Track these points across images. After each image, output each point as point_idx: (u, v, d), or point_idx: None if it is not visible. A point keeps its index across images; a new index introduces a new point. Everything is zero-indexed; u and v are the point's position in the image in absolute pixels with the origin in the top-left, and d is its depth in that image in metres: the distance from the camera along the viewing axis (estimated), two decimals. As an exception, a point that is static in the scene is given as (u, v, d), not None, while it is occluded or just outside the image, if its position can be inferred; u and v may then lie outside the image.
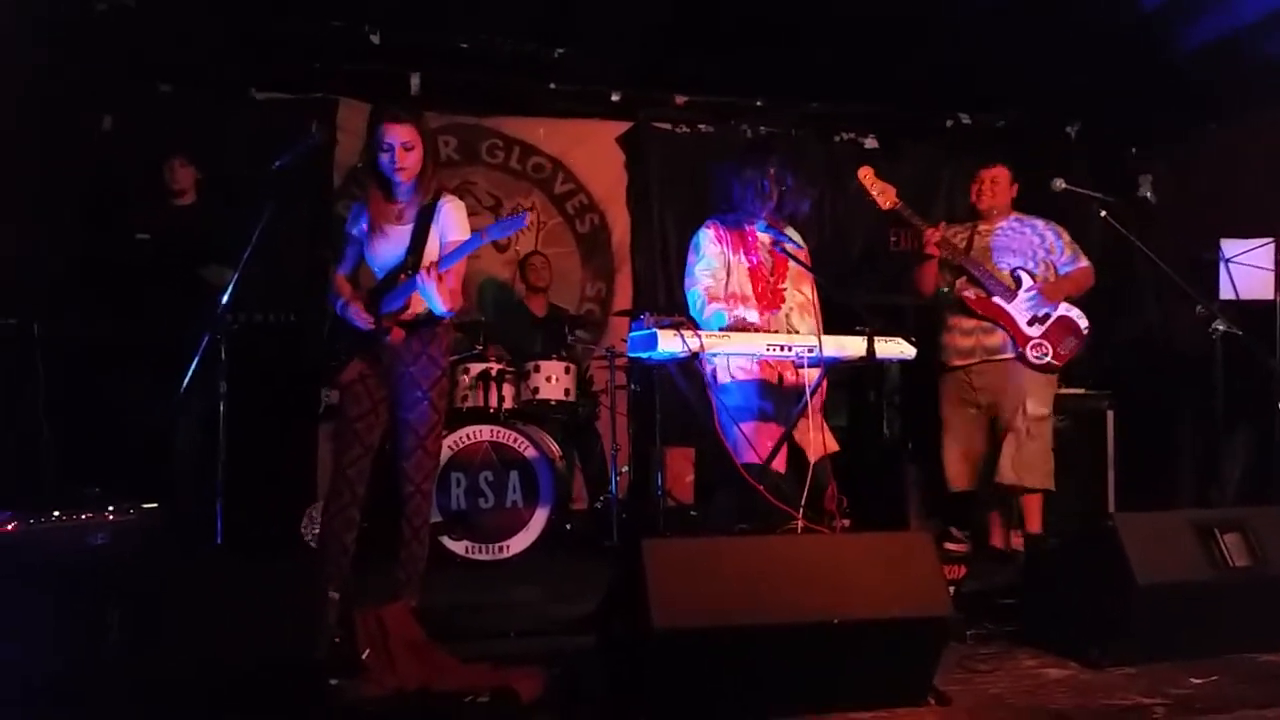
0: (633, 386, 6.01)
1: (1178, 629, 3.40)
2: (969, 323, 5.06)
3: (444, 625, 3.55)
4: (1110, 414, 5.80)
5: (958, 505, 5.26)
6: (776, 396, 4.37)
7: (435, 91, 6.54)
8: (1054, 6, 5.61)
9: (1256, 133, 6.07)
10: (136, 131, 6.11)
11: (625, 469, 6.04)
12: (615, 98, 6.99)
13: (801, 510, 3.97)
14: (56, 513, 3.40)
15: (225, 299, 4.05)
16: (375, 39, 6.12)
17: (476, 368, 5.65)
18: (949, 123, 7.44)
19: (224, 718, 2.69)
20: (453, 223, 3.80)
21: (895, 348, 4.11)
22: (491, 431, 5.38)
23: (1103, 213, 4.98)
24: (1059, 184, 4.98)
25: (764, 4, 5.79)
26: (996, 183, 5.17)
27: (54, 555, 3.32)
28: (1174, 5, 5.70)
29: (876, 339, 4.03)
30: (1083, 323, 5.00)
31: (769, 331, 4.28)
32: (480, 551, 5.26)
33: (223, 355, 4.20)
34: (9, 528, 3.21)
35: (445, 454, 5.12)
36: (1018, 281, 4.99)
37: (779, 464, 4.26)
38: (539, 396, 5.75)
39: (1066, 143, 7.42)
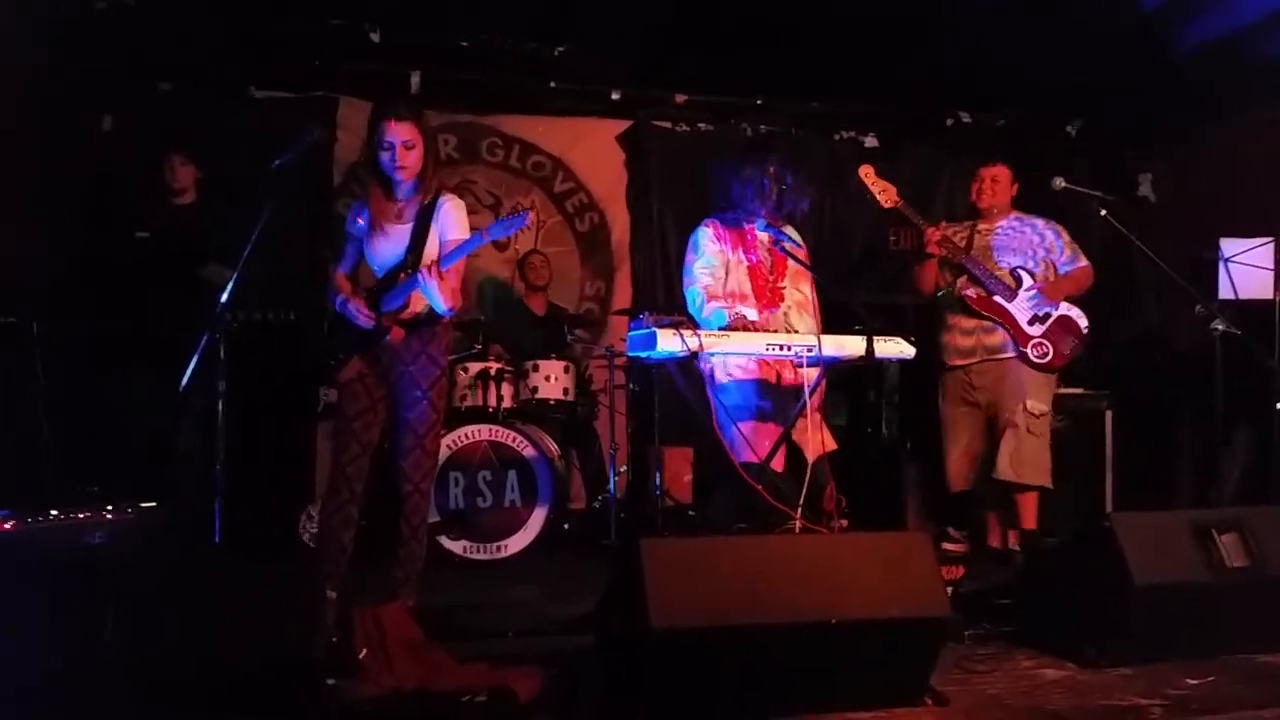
0: (631, 386, 6.01)
1: (1175, 629, 3.40)
2: (969, 322, 5.06)
3: (442, 625, 3.55)
4: (1109, 414, 5.80)
5: (956, 505, 5.26)
6: (774, 396, 4.37)
7: (435, 90, 6.54)
8: (1054, 6, 5.61)
9: (1256, 132, 6.07)
10: (136, 130, 6.11)
11: (624, 468, 6.04)
12: (615, 96, 7.00)
13: (800, 510, 3.97)
14: (55, 511, 3.40)
15: (224, 297, 4.05)
16: (375, 37, 6.12)
17: (475, 367, 5.65)
18: (949, 122, 7.44)
19: (221, 717, 2.69)
20: (453, 221, 3.80)
21: (894, 347, 4.11)
22: (490, 431, 5.39)
23: (1103, 212, 4.98)
24: (1059, 183, 4.98)
25: (764, 3, 5.79)
26: (997, 182, 5.16)
27: (52, 554, 3.32)
28: (1174, 5, 5.70)
29: (875, 338, 4.03)
30: (1083, 322, 5.00)
31: (767, 329, 4.28)
32: (478, 551, 5.26)
33: (222, 354, 4.20)
34: (7, 526, 3.21)
35: (444, 453, 5.12)
36: (1018, 281, 4.99)
37: (777, 463, 4.26)
38: (538, 396, 5.75)
39: (1067, 142, 7.43)
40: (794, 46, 6.23)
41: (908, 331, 4.19)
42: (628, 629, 2.89)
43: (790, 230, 4.56)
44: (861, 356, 4.04)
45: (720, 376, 4.35)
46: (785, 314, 4.44)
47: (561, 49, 6.43)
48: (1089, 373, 5.82)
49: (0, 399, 4.90)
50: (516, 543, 5.29)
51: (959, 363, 5.09)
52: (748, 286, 4.41)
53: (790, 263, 4.49)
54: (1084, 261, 5.14)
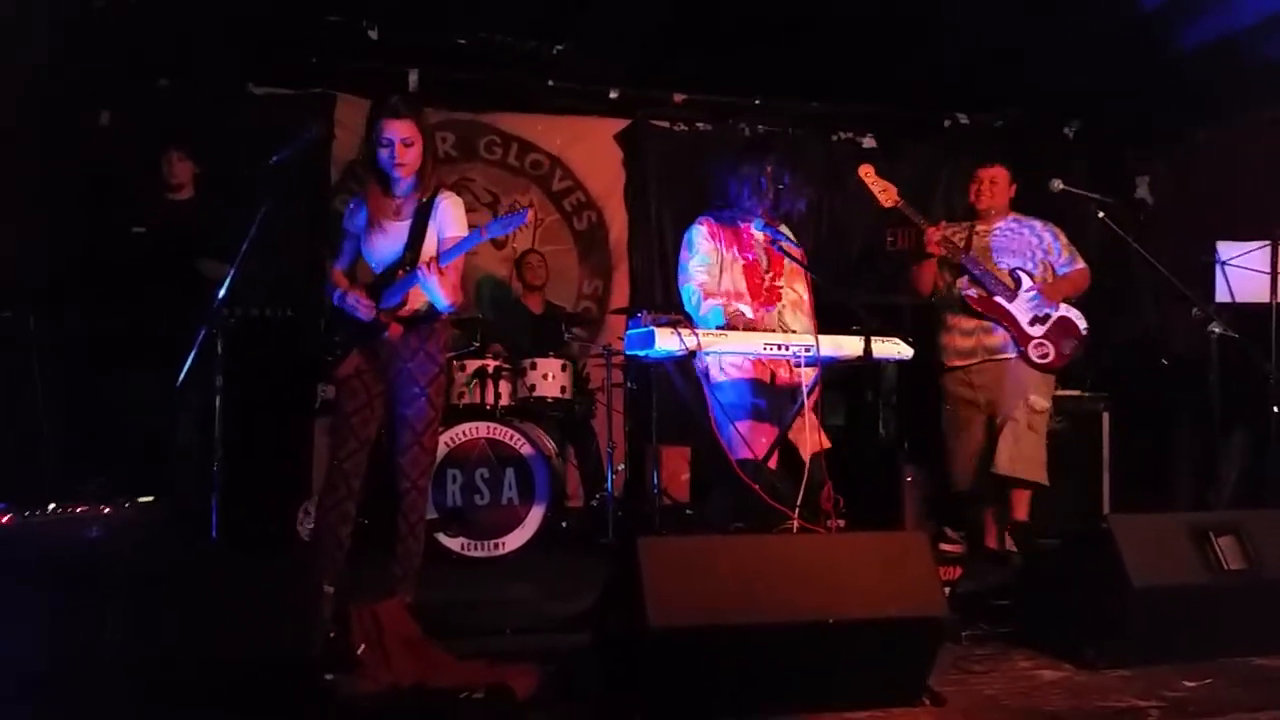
0: (629, 384, 6.01)
1: (1173, 631, 3.40)
2: (969, 323, 5.06)
3: (439, 622, 3.55)
4: (1106, 416, 5.81)
5: (953, 506, 5.27)
6: (769, 394, 4.37)
7: (433, 87, 6.53)
8: (1053, 6, 5.61)
9: (1255, 133, 6.08)
10: (135, 126, 6.10)
11: (621, 467, 6.04)
12: (614, 95, 7.00)
13: (797, 509, 3.97)
14: (52, 506, 3.40)
15: (222, 293, 4.04)
16: (373, 35, 6.10)
17: (473, 364, 5.65)
18: (947, 123, 7.45)
19: (219, 712, 2.68)
20: (451, 219, 3.80)
21: (892, 348, 4.11)
22: (488, 428, 5.39)
23: (1100, 214, 4.99)
24: (1057, 184, 4.99)
25: (763, 3, 5.79)
26: (995, 183, 5.17)
27: (49, 548, 3.31)
28: (1173, 6, 5.70)
29: (873, 339, 4.03)
30: (1082, 324, 5.01)
31: (763, 326, 4.28)
32: (476, 548, 5.26)
33: (219, 350, 4.19)
34: (4, 520, 3.20)
35: (441, 450, 5.11)
36: (1017, 282, 5.00)
37: (772, 463, 4.26)
38: (535, 394, 5.75)
39: (1065, 143, 7.44)
40: (793, 46, 6.23)
41: (905, 332, 4.19)
42: (625, 627, 2.89)
43: (784, 229, 4.55)
44: (859, 357, 4.04)
45: (715, 375, 4.35)
46: (780, 313, 4.43)
47: (560, 47, 6.42)
48: (1086, 375, 5.84)
49: (2, 392, 4.89)
50: (514, 540, 5.30)
51: (958, 363, 5.09)
52: (743, 285, 4.41)
53: (786, 262, 4.49)
54: (1081, 263, 5.16)
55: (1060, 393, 5.29)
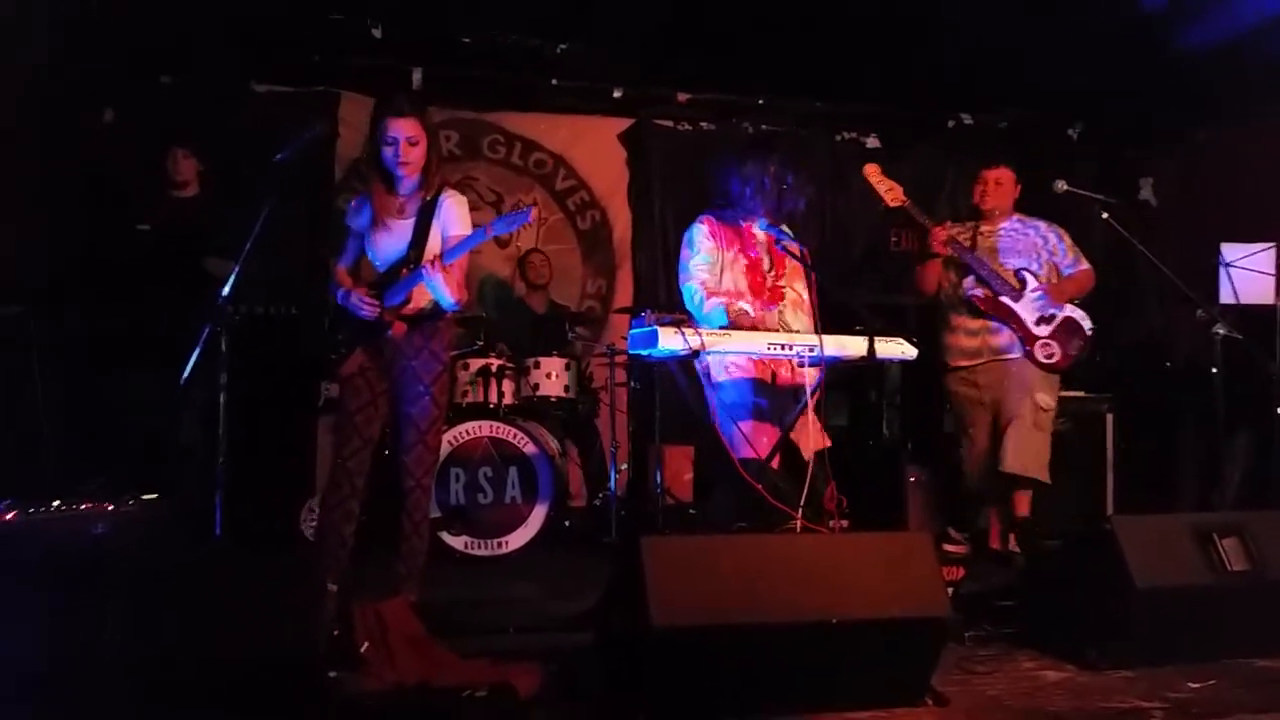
0: (632, 384, 6.01)
1: (1176, 633, 3.39)
2: (974, 323, 5.06)
3: (443, 620, 3.55)
4: (1110, 417, 5.81)
5: (957, 506, 5.26)
6: (770, 394, 4.36)
7: (437, 86, 6.53)
8: (1056, 7, 5.61)
9: (1260, 135, 6.07)
10: (138, 123, 6.10)
11: (624, 466, 6.04)
12: (617, 94, 7.00)
13: (800, 510, 3.97)
14: (57, 503, 3.40)
15: (226, 291, 4.04)
16: (377, 33, 6.11)
17: (476, 363, 5.65)
18: (951, 123, 7.44)
19: (222, 711, 2.68)
20: (454, 217, 3.80)
21: (896, 348, 4.10)
22: (491, 427, 5.39)
23: (1104, 215, 4.98)
24: (1061, 185, 4.98)
25: (767, 3, 5.79)
26: (1000, 184, 5.16)
27: (53, 545, 3.32)
28: (1177, 6, 5.70)
29: (877, 339, 4.02)
30: (1087, 324, 5.00)
31: (765, 325, 4.28)
32: (479, 547, 5.27)
33: (223, 347, 4.19)
34: (9, 517, 3.21)
35: (445, 449, 5.12)
36: (1022, 282, 5.00)
37: (774, 462, 4.26)
38: (539, 393, 5.75)
39: (1069, 144, 7.43)
40: (796, 46, 6.23)
41: (909, 332, 4.19)
42: (628, 626, 2.89)
43: (785, 229, 4.55)
44: (863, 357, 4.04)
45: (716, 374, 4.34)
46: (781, 312, 4.43)
47: (564, 46, 6.43)
48: (1090, 376, 5.83)
49: (2, 392, 4.89)
50: (517, 539, 5.30)
51: (963, 363, 5.09)
52: (743, 284, 4.40)
53: (788, 262, 4.49)
54: (1086, 264, 5.16)
55: (1064, 394, 5.28)
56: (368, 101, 4.64)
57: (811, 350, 3.99)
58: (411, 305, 3.78)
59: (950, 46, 6.09)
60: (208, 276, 4.95)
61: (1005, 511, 5.06)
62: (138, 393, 5.00)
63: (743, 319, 4.21)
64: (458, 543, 5.22)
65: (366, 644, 3.12)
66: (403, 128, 3.68)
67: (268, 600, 2.79)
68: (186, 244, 5.16)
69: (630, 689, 2.90)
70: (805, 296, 4.49)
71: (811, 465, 4.05)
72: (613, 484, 5.72)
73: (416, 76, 6.48)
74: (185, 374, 3.97)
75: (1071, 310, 5.01)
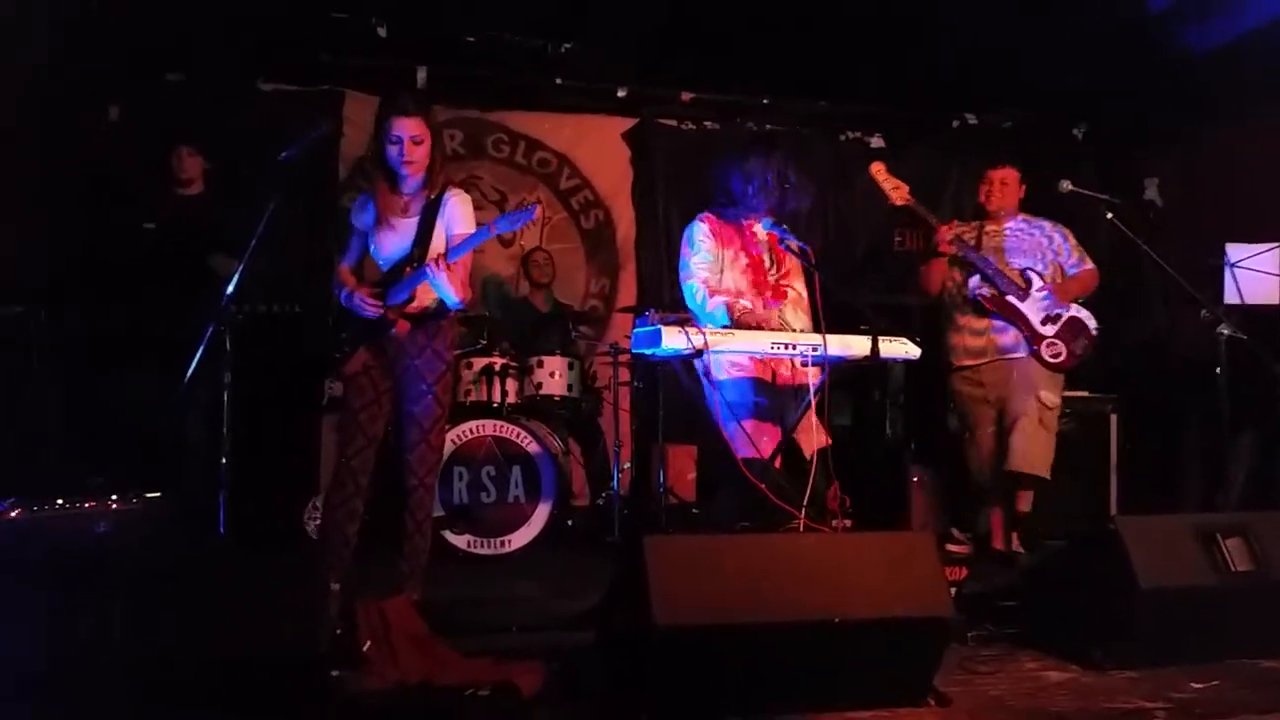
0: (635, 383, 6.01)
1: (1180, 633, 3.39)
2: (980, 322, 5.05)
3: (445, 619, 3.55)
4: (1114, 417, 5.80)
5: (960, 506, 5.25)
6: (770, 393, 4.36)
7: (441, 85, 6.52)
8: (1060, 7, 5.60)
9: (1264, 135, 6.05)
10: (143, 121, 6.10)
11: (627, 465, 6.04)
12: (621, 94, 7.00)
13: (803, 509, 3.96)
14: (60, 501, 3.40)
15: (230, 289, 4.05)
16: (382, 32, 6.12)
17: (480, 362, 5.65)
18: (955, 123, 7.44)
19: (224, 709, 2.68)
20: (458, 216, 3.80)
21: (900, 348, 4.11)
22: (494, 426, 5.39)
23: (1109, 215, 4.98)
24: (1065, 185, 4.99)
25: (771, 2, 5.78)
26: (1006, 184, 5.15)
27: (57, 543, 3.32)
28: (1182, 7, 5.69)
29: (881, 339, 4.03)
30: (1092, 324, 5.00)
31: (770, 323, 4.27)
32: (482, 546, 5.26)
33: (227, 346, 4.20)
34: (13, 515, 3.21)
35: (448, 448, 5.11)
36: (1028, 282, 4.99)
37: (776, 462, 4.26)
38: (542, 392, 5.75)
39: (1073, 144, 7.43)
40: (800, 46, 6.23)
41: (913, 332, 4.19)
42: (631, 626, 2.89)
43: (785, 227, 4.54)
44: (867, 357, 4.04)
45: (717, 373, 4.33)
46: (781, 311, 4.43)
47: (568, 46, 6.43)
48: (1093, 376, 5.83)
49: (7, 390, 4.90)
50: (520, 538, 5.30)
51: (968, 363, 5.09)
52: (743, 283, 4.39)
53: (788, 260, 4.48)
54: (1090, 264, 5.16)
55: (1068, 393, 5.29)
56: (372, 100, 4.62)
57: (815, 350, 3.99)
58: (415, 304, 3.78)
59: (955, 46, 6.09)
60: (210, 275, 4.96)
61: (1008, 511, 5.06)
62: (139, 392, 5.00)
63: (748, 317, 4.20)
64: (461, 541, 5.22)
65: (369, 643, 3.13)
66: (407, 127, 3.69)
67: (271, 599, 2.79)
68: (191, 242, 5.16)
69: (633, 688, 2.90)
70: (804, 295, 4.49)
71: (814, 464, 4.05)
72: (616, 483, 5.72)
73: (421, 75, 6.48)
74: (189, 372, 3.97)
75: (1077, 310, 5.00)
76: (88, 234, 5.49)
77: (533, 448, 5.39)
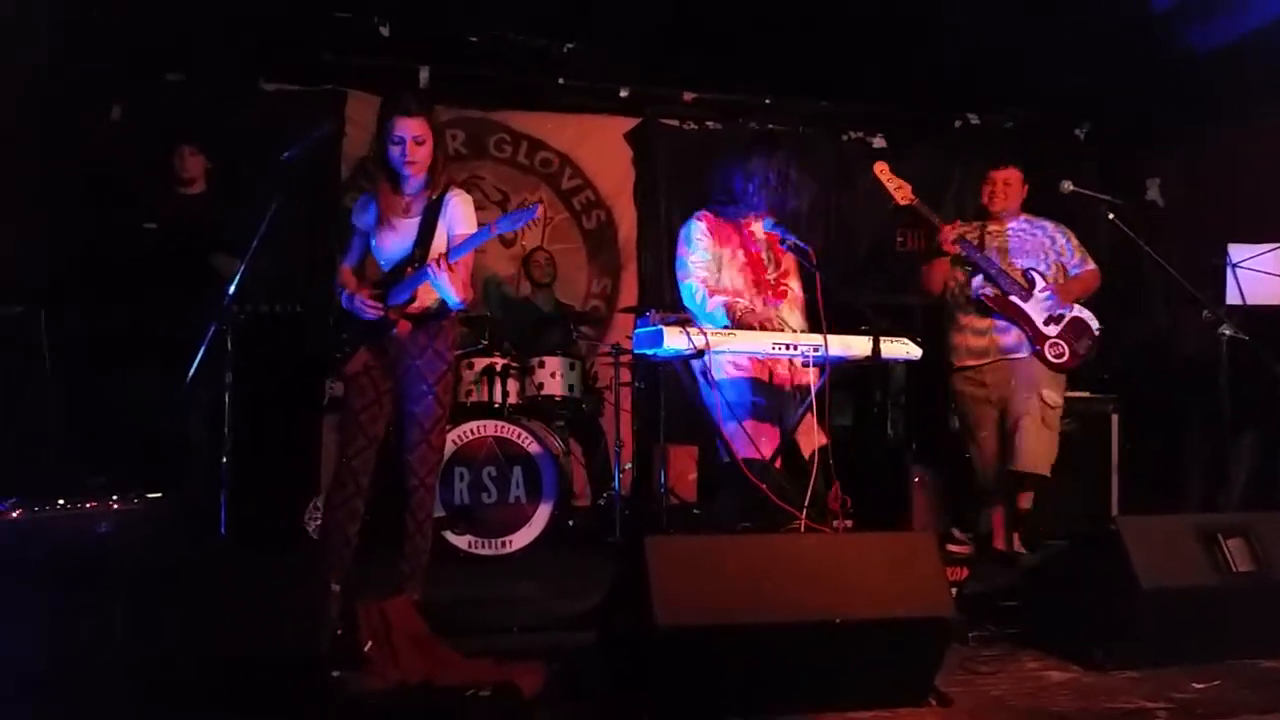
0: (637, 383, 6.01)
1: (1181, 633, 3.39)
2: (982, 322, 5.05)
3: (446, 620, 3.55)
4: (1115, 417, 5.80)
5: (961, 506, 5.25)
6: (768, 393, 4.35)
7: (444, 85, 6.52)
8: (1063, 7, 5.60)
9: (1266, 136, 6.05)
10: (145, 120, 6.10)
11: (628, 466, 6.04)
12: (623, 94, 6.99)
13: (804, 509, 3.96)
14: (62, 501, 3.41)
15: (231, 289, 4.05)
16: (385, 31, 6.11)
17: (481, 362, 5.66)
18: (958, 123, 7.43)
19: (225, 709, 2.68)
20: (460, 216, 3.80)
21: (901, 348, 4.10)
22: (495, 426, 5.39)
23: (1111, 215, 4.98)
24: (1067, 186, 4.99)
25: (774, 2, 5.78)
26: (1009, 185, 5.15)
27: (58, 543, 3.33)
28: (1186, 6, 5.69)
29: (882, 339, 4.02)
30: (1095, 324, 5.00)
31: (770, 321, 4.27)
32: (483, 546, 5.26)
33: (228, 346, 4.20)
34: (14, 515, 3.21)
35: (449, 448, 5.11)
36: (1030, 282, 4.99)
37: (776, 463, 4.26)
38: (543, 392, 5.75)
39: (1075, 144, 7.43)
40: (803, 46, 6.23)
41: (914, 332, 4.18)
42: (632, 626, 2.89)
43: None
44: (868, 357, 4.03)
45: (716, 373, 4.33)
46: (779, 310, 4.42)
47: (570, 46, 6.43)
48: (1094, 376, 5.82)
49: (7, 389, 4.90)
50: (521, 538, 5.30)
51: (970, 363, 5.08)
52: (740, 282, 4.38)
53: (785, 259, 4.48)
54: (1092, 265, 5.16)
55: (1070, 394, 5.28)
56: (375, 100, 4.63)
57: (816, 350, 3.98)
58: (416, 304, 3.78)
59: (958, 46, 6.08)
60: (211, 274, 4.96)
61: (1010, 511, 5.06)
62: (140, 391, 5.00)
63: (749, 317, 4.20)
64: (461, 542, 5.22)
65: (370, 643, 3.13)
66: (409, 127, 3.69)
67: (272, 599, 2.79)
68: (192, 242, 5.16)
69: (634, 689, 2.90)
70: (801, 294, 4.49)
71: (815, 463, 4.05)
72: (617, 483, 5.71)
73: (423, 75, 6.48)
74: (190, 372, 3.98)
75: (1079, 310, 5.00)
76: (89, 234, 5.48)
77: (534, 448, 5.39)
